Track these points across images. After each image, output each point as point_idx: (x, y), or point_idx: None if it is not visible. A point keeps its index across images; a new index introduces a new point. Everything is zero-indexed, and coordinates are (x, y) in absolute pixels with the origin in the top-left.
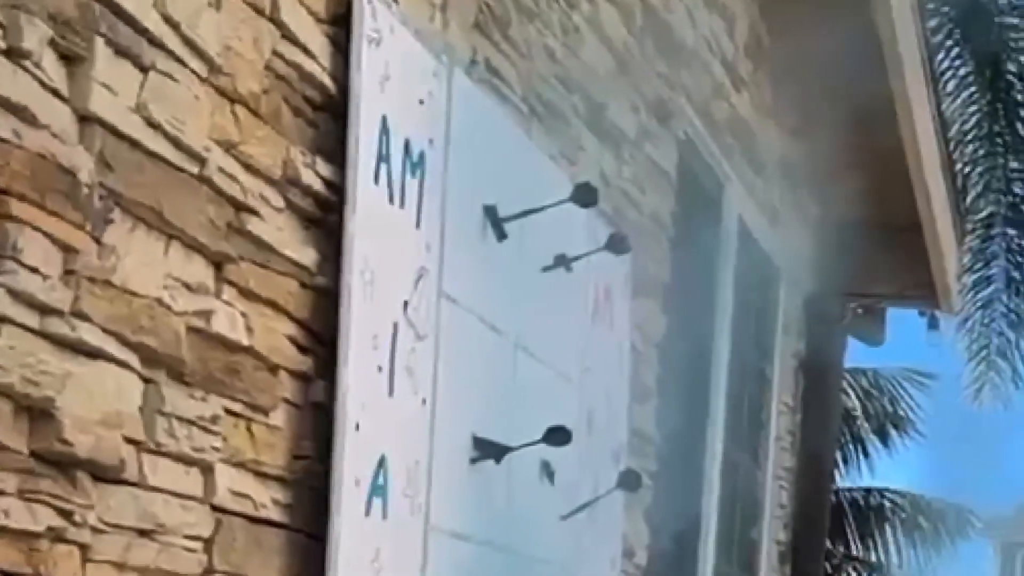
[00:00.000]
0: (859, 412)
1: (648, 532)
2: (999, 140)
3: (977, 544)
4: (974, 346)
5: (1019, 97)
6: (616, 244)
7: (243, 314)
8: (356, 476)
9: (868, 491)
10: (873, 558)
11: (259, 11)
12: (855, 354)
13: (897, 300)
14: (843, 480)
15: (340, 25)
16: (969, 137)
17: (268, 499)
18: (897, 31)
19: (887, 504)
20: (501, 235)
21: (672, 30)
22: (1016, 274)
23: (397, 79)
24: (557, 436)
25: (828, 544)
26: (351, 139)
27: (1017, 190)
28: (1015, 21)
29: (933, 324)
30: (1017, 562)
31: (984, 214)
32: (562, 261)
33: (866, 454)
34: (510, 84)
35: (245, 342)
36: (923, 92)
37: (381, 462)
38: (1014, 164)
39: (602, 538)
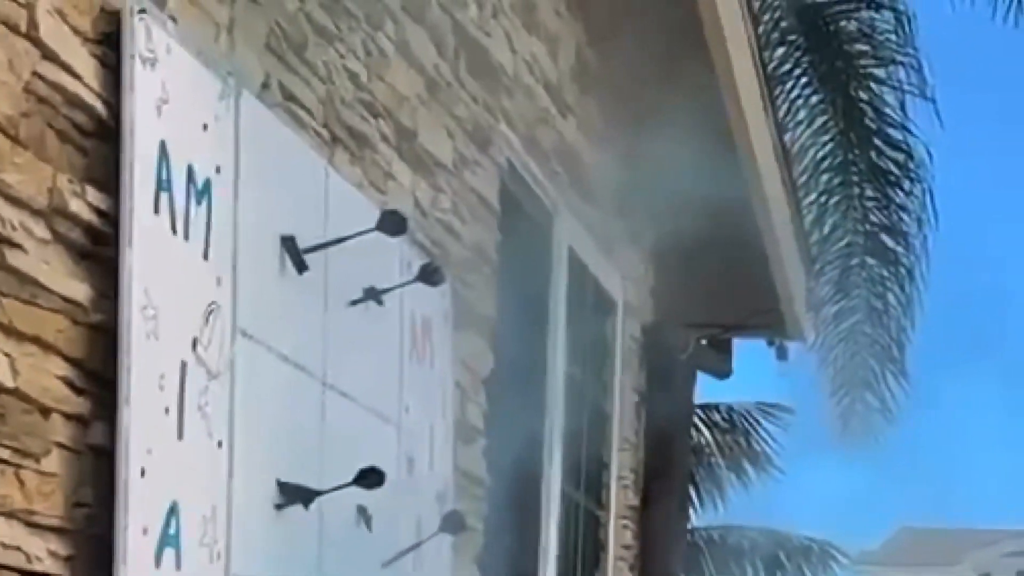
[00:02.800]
0: (713, 448)
1: None
2: (854, 168)
3: None
4: (838, 379)
5: (872, 124)
6: (429, 275)
7: (6, 354)
8: (143, 525)
9: (726, 529)
10: None
11: (14, 29)
12: (707, 389)
13: (742, 330)
14: (699, 519)
15: (110, 45)
16: (824, 166)
17: (44, 551)
18: (731, 56)
19: (746, 542)
20: (302, 267)
21: (488, 53)
22: (878, 304)
23: (177, 102)
24: (370, 478)
25: None
26: (125, 166)
27: (874, 218)
28: (865, 48)
29: (782, 354)
30: None
31: (843, 243)
32: (372, 294)
33: (722, 492)
34: (308, 109)
35: (10, 383)
36: (760, 117)
37: (172, 509)
38: (870, 192)
39: None
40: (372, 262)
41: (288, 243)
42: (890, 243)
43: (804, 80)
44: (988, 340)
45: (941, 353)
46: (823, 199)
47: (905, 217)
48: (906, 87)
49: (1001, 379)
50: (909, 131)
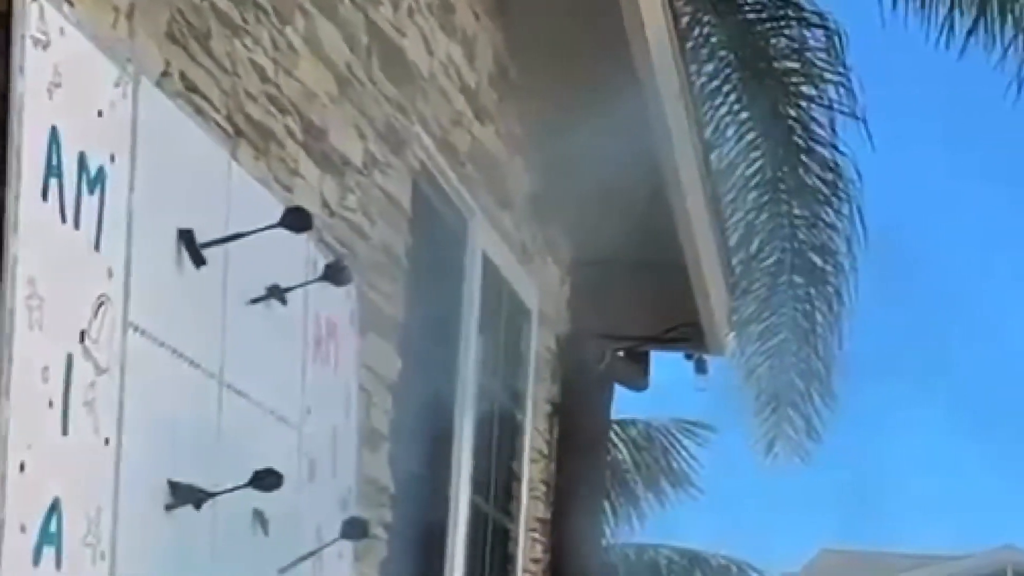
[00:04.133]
0: (629, 465)
1: None
2: (782, 186)
3: None
4: (762, 397)
5: (801, 142)
6: (335, 274)
7: None
8: (21, 522)
9: (642, 547)
10: None
11: None
12: (625, 405)
13: (659, 343)
14: (614, 536)
15: (0, 25)
16: (752, 183)
17: None
18: (656, 71)
19: (663, 561)
20: (199, 261)
21: (403, 53)
22: (805, 323)
23: (70, 87)
24: (266, 480)
25: None
26: (12, 150)
27: (802, 236)
28: (794, 66)
29: (701, 368)
30: None
31: (770, 261)
32: (275, 292)
33: (638, 509)
34: (211, 101)
35: None
36: (686, 132)
37: (53, 507)
38: (798, 210)
39: None
40: (275, 260)
41: (186, 236)
42: (818, 262)
43: (733, 97)
44: (928, 360)
45: (875, 371)
46: (751, 216)
47: (834, 236)
48: (836, 106)
49: (940, 402)
50: (839, 149)
